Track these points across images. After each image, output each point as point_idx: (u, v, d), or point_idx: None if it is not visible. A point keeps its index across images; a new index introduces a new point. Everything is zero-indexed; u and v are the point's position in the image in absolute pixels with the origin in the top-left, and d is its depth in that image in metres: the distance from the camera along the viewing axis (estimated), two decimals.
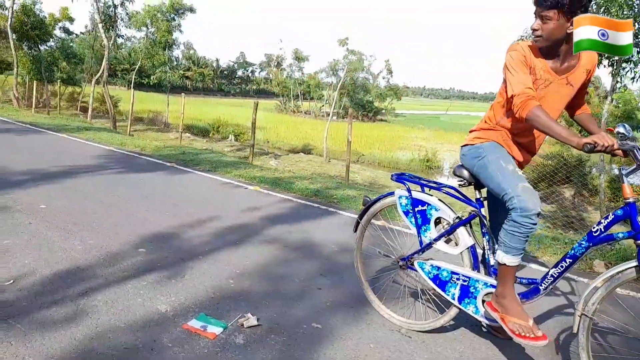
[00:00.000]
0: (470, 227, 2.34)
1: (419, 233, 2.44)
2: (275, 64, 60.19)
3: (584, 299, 1.93)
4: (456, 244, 2.34)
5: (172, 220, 4.19)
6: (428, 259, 2.42)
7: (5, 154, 7.34)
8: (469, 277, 2.25)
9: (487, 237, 2.29)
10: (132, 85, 21.81)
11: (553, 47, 2.04)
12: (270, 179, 6.81)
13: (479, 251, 2.33)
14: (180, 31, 24.07)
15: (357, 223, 2.71)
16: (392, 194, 2.57)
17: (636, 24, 7.22)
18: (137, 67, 25.79)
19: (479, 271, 2.29)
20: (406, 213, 2.48)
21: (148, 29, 23.25)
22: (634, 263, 1.85)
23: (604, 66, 8.79)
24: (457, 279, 2.28)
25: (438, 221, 2.41)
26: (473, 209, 2.31)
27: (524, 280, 2.19)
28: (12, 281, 2.68)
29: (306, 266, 3.34)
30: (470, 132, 2.36)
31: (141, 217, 4.27)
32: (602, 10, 7.74)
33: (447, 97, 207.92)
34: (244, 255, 3.46)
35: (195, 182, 6.39)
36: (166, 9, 22.81)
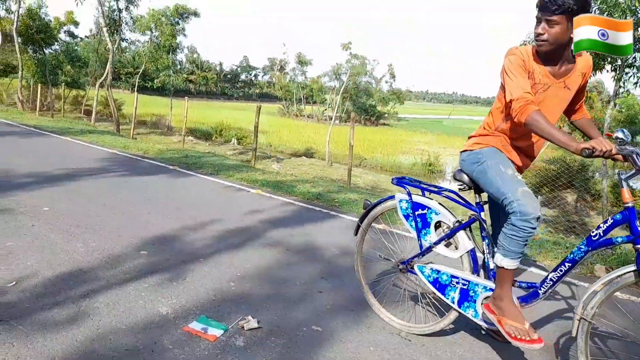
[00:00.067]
0: (470, 231, 2.35)
1: (419, 237, 2.45)
2: (279, 67, 60.42)
3: (583, 303, 1.93)
4: (456, 248, 2.35)
5: (174, 223, 4.22)
6: (428, 263, 2.43)
7: (9, 156, 7.38)
8: (469, 281, 2.25)
9: (486, 241, 2.30)
10: (135, 89, 21.92)
11: (556, 52, 2.04)
12: (272, 183, 6.83)
13: (479, 255, 2.33)
14: (184, 35, 24.23)
15: (358, 226, 2.73)
16: (392, 197, 2.58)
17: (639, 29, 7.22)
18: (141, 70, 25.94)
19: (478, 275, 2.29)
20: (406, 217, 2.50)
21: (152, 32, 23.41)
22: (632, 267, 1.85)
23: (607, 71, 8.80)
24: (457, 283, 2.29)
25: (438, 225, 2.42)
26: (473, 213, 2.32)
27: (523, 284, 2.19)
28: (14, 283, 2.70)
29: (307, 269, 3.35)
30: (470, 137, 2.37)
31: (143, 219, 4.29)
32: (605, 15, 7.75)
33: (450, 101, 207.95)
34: (245, 258, 3.48)
35: (198, 185, 6.41)
36: (170, 13, 22.97)
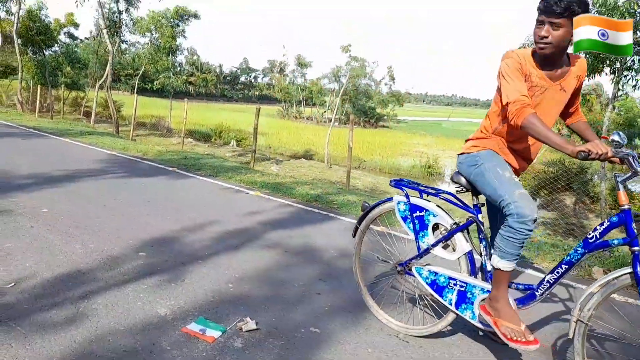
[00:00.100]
0: (468, 233, 2.36)
1: (416, 239, 2.46)
2: (278, 70, 60.48)
3: (580, 305, 1.94)
4: (453, 250, 2.36)
5: (173, 225, 4.22)
6: (426, 265, 2.44)
7: (8, 157, 7.39)
8: (466, 283, 2.26)
9: (484, 243, 2.31)
10: (135, 91, 21.97)
11: (557, 54, 2.05)
12: (272, 184, 6.84)
13: (477, 257, 2.34)
14: (184, 37, 24.28)
15: (356, 228, 2.74)
16: (390, 199, 2.59)
17: (638, 32, 7.25)
18: (140, 72, 25.99)
19: (476, 277, 2.30)
20: (404, 219, 2.50)
21: (152, 34, 23.46)
22: (629, 269, 1.86)
23: (606, 74, 8.83)
24: (454, 285, 2.29)
25: (436, 227, 2.42)
26: (470, 215, 2.33)
27: (520, 286, 2.20)
28: (13, 284, 2.70)
29: (306, 271, 3.36)
30: (467, 140, 2.39)
31: (142, 221, 4.29)
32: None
33: (450, 103, 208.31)
34: (244, 259, 3.48)
35: (197, 187, 6.42)
36: (170, 15, 23.02)
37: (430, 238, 2.41)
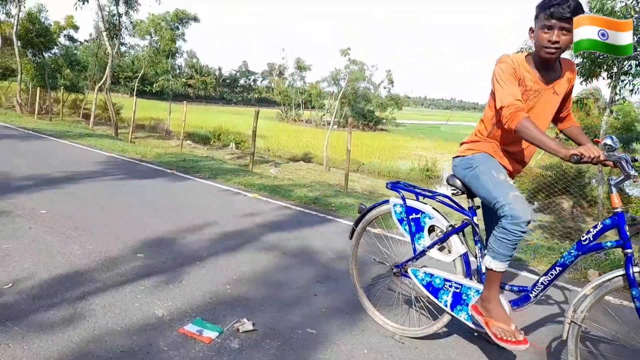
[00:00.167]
0: (463, 235, 2.38)
1: (412, 241, 2.48)
2: (277, 73, 60.61)
3: (574, 307, 1.96)
4: (449, 252, 2.38)
5: (171, 226, 4.23)
6: (421, 267, 2.46)
7: (7, 159, 7.40)
8: (461, 285, 2.28)
9: (479, 245, 2.33)
10: (134, 93, 21.99)
11: (557, 58, 2.08)
12: (270, 187, 6.86)
13: (472, 259, 2.36)
14: (184, 40, 24.34)
15: (353, 230, 2.76)
16: (387, 202, 2.61)
17: (634, 37, 7.30)
18: (140, 75, 26.03)
19: (471, 279, 2.32)
20: (400, 221, 2.52)
21: (152, 37, 23.51)
22: (621, 272, 1.88)
23: (603, 78, 8.88)
24: (450, 286, 2.31)
25: (432, 229, 2.44)
26: (466, 217, 2.35)
27: (515, 288, 2.22)
28: (11, 284, 2.71)
29: (303, 273, 3.38)
30: (462, 144, 2.41)
31: (141, 222, 4.31)
32: None
33: (448, 107, 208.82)
34: (242, 261, 3.50)
35: (195, 189, 6.44)
36: (170, 18, 23.09)
37: (426, 240, 2.43)
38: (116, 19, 19.66)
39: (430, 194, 2.51)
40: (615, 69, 8.46)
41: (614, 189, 1.94)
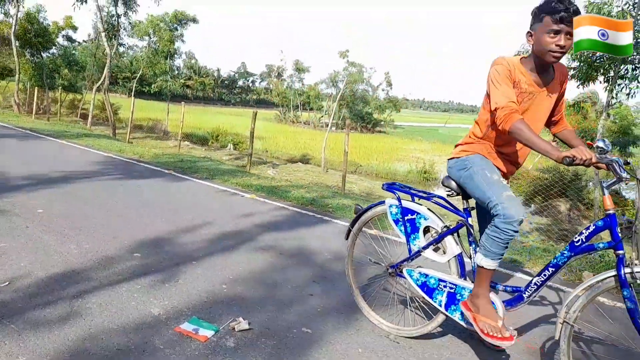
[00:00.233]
0: (458, 236, 2.40)
1: (408, 241, 2.50)
2: (276, 74, 60.67)
3: (566, 307, 1.98)
4: (444, 252, 2.40)
5: (168, 226, 4.24)
6: (417, 267, 2.47)
7: (4, 158, 7.39)
8: (456, 285, 2.30)
9: (473, 246, 2.35)
10: (132, 93, 21.98)
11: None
12: (267, 188, 6.87)
13: (466, 260, 2.38)
14: (183, 41, 24.35)
15: (349, 231, 2.77)
16: (383, 202, 2.63)
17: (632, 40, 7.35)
18: (138, 75, 26.03)
19: (465, 279, 2.34)
20: (396, 221, 2.54)
21: (150, 38, 23.52)
22: (613, 272, 1.91)
23: (600, 82, 8.93)
24: (444, 286, 2.33)
25: (427, 230, 2.46)
26: (460, 218, 2.37)
27: (508, 288, 2.24)
28: (7, 283, 2.72)
29: (299, 273, 3.39)
30: (456, 146, 2.44)
31: (138, 222, 4.31)
32: None
33: (447, 109, 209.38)
34: (238, 261, 3.51)
35: (193, 189, 6.44)
36: (169, 19, 23.10)
37: (421, 241, 2.45)
38: (115, 20, 19.66)
39: (425, 195, 2.53)
40: (611, 73, 8.52)
41: (606, 191, 1.96)
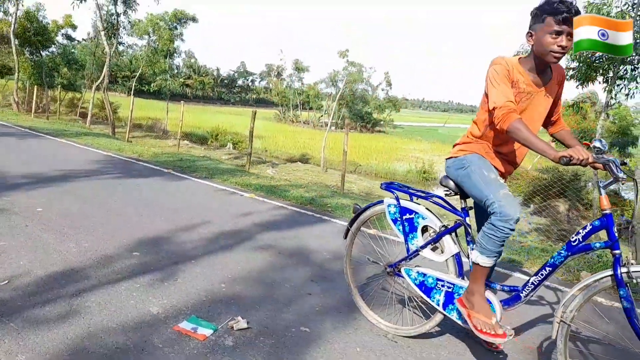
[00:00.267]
0: (456, 235, 2.41)
1: (406, 240, 2.51)
2: (276, 74, 60.65)
3: (563, 306, 2.00)
4: (442, 252, 2.40)
5: (167, 225, 4.25)
6: (415, 266, 2.48)
7: (3, 157, 7.39)
8: (453, 284, 2.31)
9: (471, 245, 2.36)
10: (132, 92, 21.97)
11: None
12: (266, 187, 6.87)
13: (464, 259, 2.39)
14: (182, 40, 24.32)
15: (347, 230, 2.78)
16: (381, 202, 2.64)
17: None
18: (137, 74, 25.99)
19: (463, 278, 2.35)
20: (394, 221, 2.55)
21: (150, 37, 23.49)
22: (609, 272, 1.92)
23: (599, 82, 8.95)
24: (442, 286, 2.34)
25: (425, 229, 2.47)
26: (458, 218, 2.38)
27: (506, 288, 2.25)
28: (6, 281, 2.73)
29: (298, 272, 3.40)
30: (454, 145, 2.45)
31: (137, 221, 4.32)
32: None
33: (446, 109, 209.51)
34: (237, 260, 3.52)
35: (192, 188, 6.45)
36: (169, 18, 23.07)
37: (419, 240, 2.46)
38: (114, 19, 19.64)
39: (423, 195, 2.54)
40: (610, 74, 8.53)
41: (602, 191, 1.97)
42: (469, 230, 2.35)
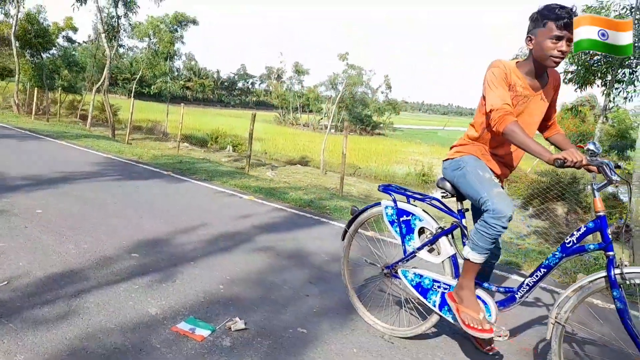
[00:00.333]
0: (452, 237, 2.42)
1: (403, 242, 2.53)
2: (276, 76, 60.74)
3: (557, 308, 2.02)
4: (438, 253, 2.42)
5: (166, 227, 4.27)
6: (411, 268, 2.50)
7: (4, 159, 7.41)
8: (450, 285, 2.33)
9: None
10: (132, 95, 22.00)
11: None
12: (265, 189, 6.90)
13: (460, 261, 2.41)
14: (182, 42, 24.38)
15: (345, 232, 2.80)
16: (378, 204, 2.67)
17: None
18: (138, 76, 26.03)
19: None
20: (392, 223, 2.57)
21: (150, 39, 23.54)
22: (603, 273, 1.94)
23: (597, 86, 8.98)
24: (438, 287, 2.36)
25: (422, 231, 2.49)
26: (455, 219, 2.40)
27: (501, 289, 2.27)
28: (6, 282, 2.74)
29: (296, 274, 3.42)
30: (451, 147, 2.47)
31: (136, 223, 4.34)
32: None
33: (446, 112, 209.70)
34: (235, 262, 3.53)
35: (191, 190, 6.47)
36: (169, 20, 23.13)
37: (416, 242, 2.48)
38: (115, 21, 19.69)
39: (421, 197, 2.56)
40: (609, 77, 8.57)
41: (596, 193, 2.00)
42: (465, 232, 2.37)
